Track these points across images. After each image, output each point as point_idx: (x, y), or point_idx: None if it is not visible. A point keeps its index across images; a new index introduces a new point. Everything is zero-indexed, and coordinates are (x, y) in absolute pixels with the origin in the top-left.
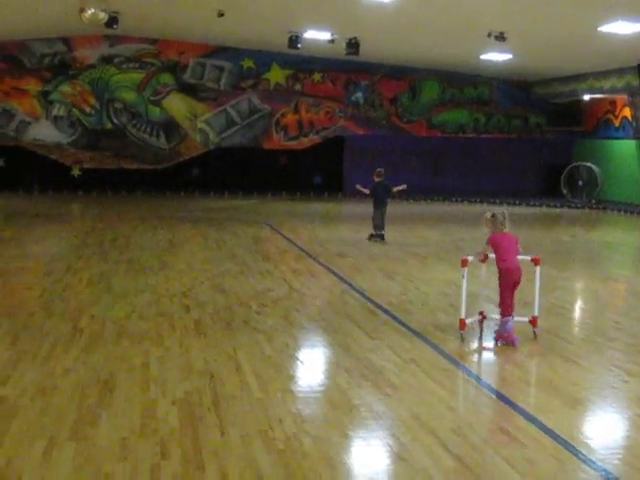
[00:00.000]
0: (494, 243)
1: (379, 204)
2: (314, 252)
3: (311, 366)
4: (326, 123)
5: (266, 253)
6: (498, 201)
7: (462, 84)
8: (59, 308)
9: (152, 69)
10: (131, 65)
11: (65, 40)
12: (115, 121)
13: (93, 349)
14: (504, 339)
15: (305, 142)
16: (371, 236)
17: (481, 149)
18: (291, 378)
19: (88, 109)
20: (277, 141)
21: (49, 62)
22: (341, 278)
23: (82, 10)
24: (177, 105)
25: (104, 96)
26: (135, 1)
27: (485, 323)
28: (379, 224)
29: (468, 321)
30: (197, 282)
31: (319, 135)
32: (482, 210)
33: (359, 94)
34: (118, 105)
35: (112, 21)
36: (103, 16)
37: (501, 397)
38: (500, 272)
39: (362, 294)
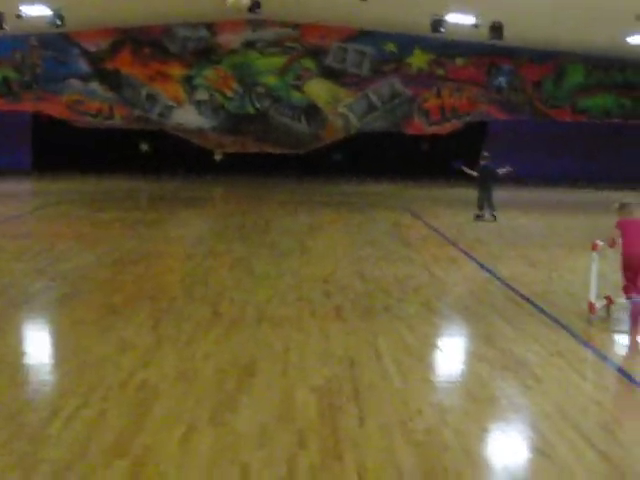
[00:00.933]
0: (622, 227)
1: (484, 186)
2: (455, 238)
3: (452, 356)
4: (468, 108)
5: (407, 239)
6: None
7: (608, 68)
8: (200, 292)
9: (294, 53)
10: (273, 50)
11: (208, 25)
12: (257, 105)
13: (233, 333)
14: (633, 315)
15: (447, 127)
16: (477, 217)
17: (628, 135)
18: (431, 368)
19: (230, 94)
20: (419, 126)
21: (193, 47)
22: (482, 265)
23: None
24: (318, 90)
25: (246, 81)
26: None
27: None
28: (482, 205)
29: (598, 305)
30: (338, 267)
31: (461, 120)
32: (632, 196)
33: (502, 78)
34: (260, 90)
35: (255, 5)
36: (247, 1)
37: None
38: (622, 256)
39: (504, 282)
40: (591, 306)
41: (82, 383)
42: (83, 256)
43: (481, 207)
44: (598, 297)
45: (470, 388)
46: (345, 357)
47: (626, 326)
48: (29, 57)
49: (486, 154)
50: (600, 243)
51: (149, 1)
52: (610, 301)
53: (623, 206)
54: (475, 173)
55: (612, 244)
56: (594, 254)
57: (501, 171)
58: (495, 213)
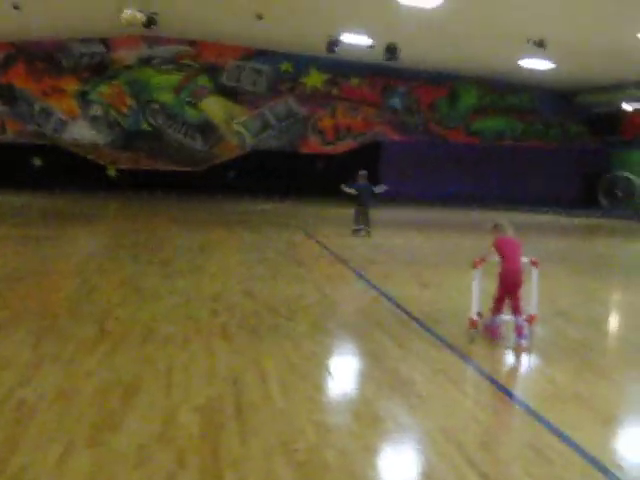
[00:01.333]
0: (499, 246)
1: (361, 203)
2: (347, 257)
3: (338, 375)
4: (363, 128)
5: (299, 258)
6: (539, 208)
7: (502, 91)
8: (86, 310)
9: (190, 71)
10: (169, 67)
11: (104, 40)
12: (152, 122)
13: (117, 352)
14: (489, 332)
15: (341, 147)
16: (354, 231)
17: (519, 157)
18: (316, 387)
19: (125, 110)
20: (314, 145)
21: (87, 62)
22: (372, 285)
23: (120, 10)
24: (214, 107)
25: (141, 97)
26: (174, 2)
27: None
28: (358, 220)
29: (479, 320)
30: (228, 286)
31: (356, 140)
32: (518, 218)
33: (397, 99)
34: (155, 106)
35: (150, 22)
36: (141, 17)
37: (530, 411)
38: (502, 272)
39: (393, 301)
40: (472, 322)
41: None
42: None
43: (357, 222)
44: (479, 313)
45: (355, 407)
46: (229, 376)
47: (509, 342)
48: None
49: (362, 173)
50: (477, 260)
51: (43, 15)
52: (480, 316)
53: (497, 226)
54: (354, 191)
55: (479, 263)
56: (474, 271)
57: (378, 189)
58: (370, 229)
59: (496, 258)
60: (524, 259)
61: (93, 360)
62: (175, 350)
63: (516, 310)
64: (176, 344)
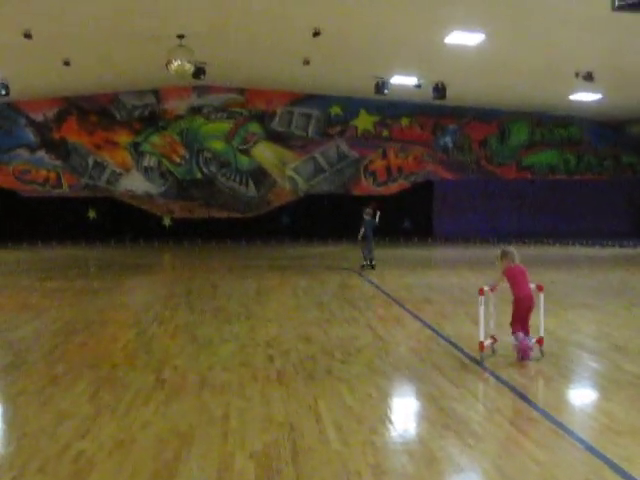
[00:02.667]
0: (510, 275)
1: (367, 238)
2: (401, 298)
3: (393, 416)
4: (414, 168)
5: (353, 300)
6: (589, 242)
7: (552, 125)
8: (143, 360)
9: (240, 118)
10: (219, 115)
11: (155, 92)
12: (205, 170)
13: (174, 401)
14: (519, 350)
15: (394, 187)
16: (363, 267)
17: (572, 190)
18: (372, 429)
19: (178, 159)
20: (366, 187)
21: (139, 114)
22: (428, 325)
23: (169, 62)
24: (266, 153)
25: (193, 146)
26: (221, 51)
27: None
28: (367, 255)
29: (486, 343)
30: (282, 331)
31: (408, 180)
32: (571, 252)
33: (447, 138)
34: (207, 154)
35: (199, 72)
36: (189, 67)
37: (588, 447)
38: (516, 299)
39: (448, 340)
40: (481, 345)
41: (19, 455)
42: (27, 326)
43: (368, 256)
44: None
45: (411, 449)
46: (285, 422)
47: (564, 378)
48: None
49: (368, 210)
50: (486, 288)
51: (95, 70)
52: (494, 340)
53: (505, 254)
54: (362, 230)
55: (491, 290)
56: (480, 298)
57: (376, 219)
58: (374, 262)
59: (505, 285)
60: (532, 285)
61: (150, 410)
62: (231, 397)
63: (526, 332)
64: (232, 391)
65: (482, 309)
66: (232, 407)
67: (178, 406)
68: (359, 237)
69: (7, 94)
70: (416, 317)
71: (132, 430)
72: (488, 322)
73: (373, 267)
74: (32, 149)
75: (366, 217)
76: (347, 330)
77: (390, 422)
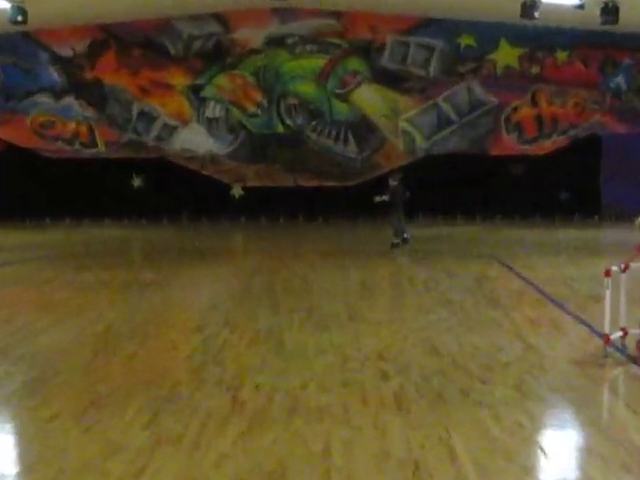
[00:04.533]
0: None
1: (396, 208)
2: (559, 295)
3: (553, 452)
4: (575, 119)
5: (493, 297)
6: None
7: None
8: (213, 375)
9: (337, 52)
10: (308, 48)
11: (220, 17)
12: (289, 123)
13: (256, 430)
14: None
15: (547, 145)
16: (393, 245)
17: None
18: (524, 469)
19: (252, 108)
20: (508, 145)
21: (200, 47)
22: (596, 331)
23: None
24: (371, 100)
25: (273, 90)
26: None
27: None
28: (399, 229)
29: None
30: (398, 338)
31: (566, 135)
32: None
33: (620, 78)
34: (292, 101)
35: None
36: None
37: None
38: None
39: (625, 353)
40: (606, 338)
41: None
42: (57, 331)
43: (396, 233)
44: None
45: None
46: (407, 459)
47: None
48: None
49: (397, 175)
50: (614, 269)
51: None
52: (625, 333)
53: None
54: (386, 197)
55: (625, 268)
56: (607, 281)
57: (378, 199)
58: (407, 235)
59: None
60: None
61: (226, 441)
62: (332, 426)
63: None
64: (333, 418)
65: (608, 294)
66: (334, 439)
67: (262, 436)
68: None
69: (24, 21)
70: (580, 320)
71: (203, 468)
72: (618, 310)
73: (407, 241)
74: (57, 94)
75: (393, 183)
76: (487, 338)
77: (548, 460)
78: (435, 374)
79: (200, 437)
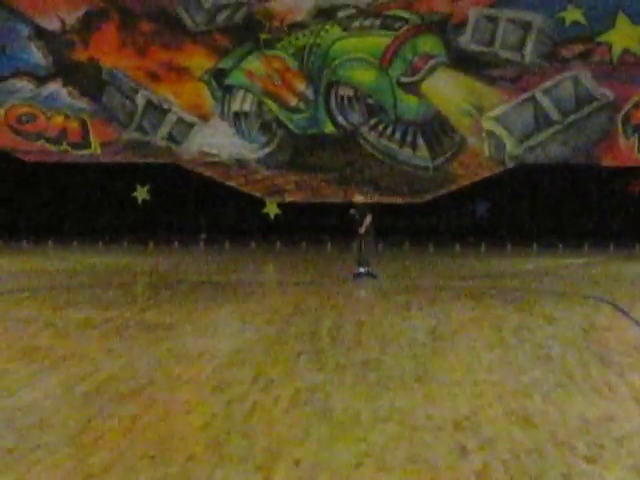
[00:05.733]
0: None
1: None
2: None
3: None
4: None
5: (604, 353)
6: None
7: None
8: (239, 448)
9: (404, 29)
10: (368, 22)
11: None
12: (340, 121)
13: None
14: None
15: None
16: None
17: None
18: None
19: (293, 100)
20: (626, 153)
21: (226, 19)
22: None
23: None
24: (448, 91)
25: (321, 77)
26: None
27: None
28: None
29: None
30: (481, 404)
31: None
32: None
33: None
34: (345, 92)
35: None
36: None
37: None
38: None
39: None
40: None
41: None
42: (38, 387)
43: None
44: None
45: None
46: None
47: None
48: None
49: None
50: None
51: None
52: None
53: None
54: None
55: None
56: None
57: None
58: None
59: None
60: None
61: None
62: None
63: None
64: None
65: None
66: None
67: None
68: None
69: None
70: None
71: None
72: None
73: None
74: (39, 79)
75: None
76: (597, 405)
77: None
78: (529, 451)
79: None
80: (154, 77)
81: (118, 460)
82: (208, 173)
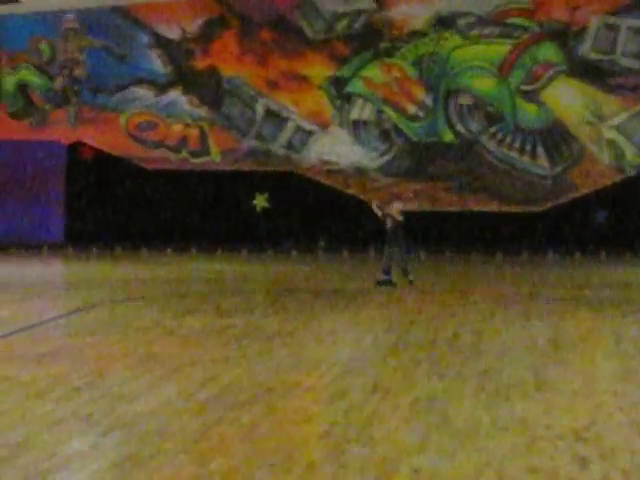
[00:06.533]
0: None
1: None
2: None
3: None
4: None
5: None
6: None
7: None
8: (358, 457)
9: (524, 38)
10: (487, 31)
11: None
12: (460, 129)
13: None
14: None
15: None
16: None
17: None
18: None
19: (413, 108)
20: None
21: (345, 28)
22: None
23: None
24: (568, 100)
25: (440, 85)
26: None
27: None
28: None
29: None
30: (601, 415)
31: None
32: None
33: None
34: (465, 101)
35: None
36: None
37: None
38: None
39: None
40: None
41: None
42: (157, 394)
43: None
44: None
45: None
46: None
47: None
48: (63, 50)
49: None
50: None
51: None
52: None
53: None
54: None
55: None
56: None
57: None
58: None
59: None
60: None
61: None
62: None
63: None
64: None
65: None
66: None
67: None
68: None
69: None
70: None
71: None
72: None
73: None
74: (160, 87)
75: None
76: None
77: None
78: None
79: None
80: (274, 85)
81: (237, 467)
82: (327, 181)
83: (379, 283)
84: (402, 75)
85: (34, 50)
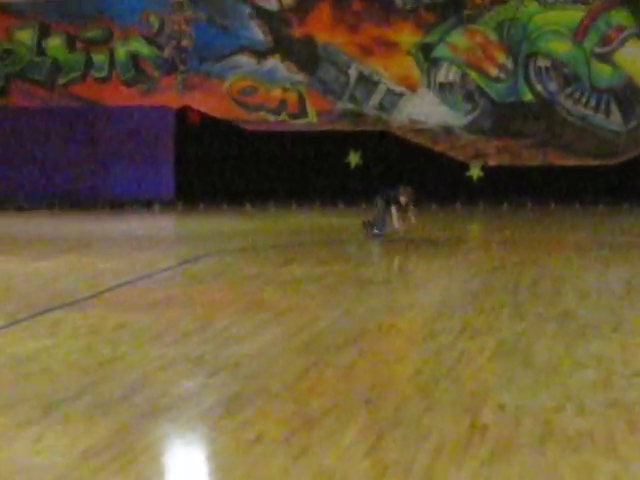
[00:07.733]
0: None
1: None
2: None
3: None
4: None
5: None
6: None
7: None
8: (448, 393)
9: (597, 3)
10: None
11: None
12: (538, 90)
13: (501, 460)
14: None
15: None
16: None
17: None
18: None
19: (494, 71)
20: None
21: None
22: None
23: None
24: (639, 60)
25: (520, 49)
26: None
27: None
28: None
29: None
30: None
31: None
32: None
33: None
34: (543, 63)
35: None
36: None
37: None
38: None
39: None
40: None
41: None
42: (261, 337)
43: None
44: None
45: None
46: None
47: None
48: (171, 22)
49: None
50: None
51: None
52: None
53: None
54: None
55: None
56: None
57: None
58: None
59: None
60: None
61: (462, 474)
62: (593, 456)
63: None
64: (595, 447)
65: None
66: (596, 473)
67: (507, 468)
68: None
69: None
70: None
71: None
72: None
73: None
74: (260, 55)
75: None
76: None
77: None
78: None
79: (432, 468)
80: (365, 51)
81: (335, 404)
82: (416, 139)
83: (374, 236)
84: (484, 40)
85: (144, 23)
